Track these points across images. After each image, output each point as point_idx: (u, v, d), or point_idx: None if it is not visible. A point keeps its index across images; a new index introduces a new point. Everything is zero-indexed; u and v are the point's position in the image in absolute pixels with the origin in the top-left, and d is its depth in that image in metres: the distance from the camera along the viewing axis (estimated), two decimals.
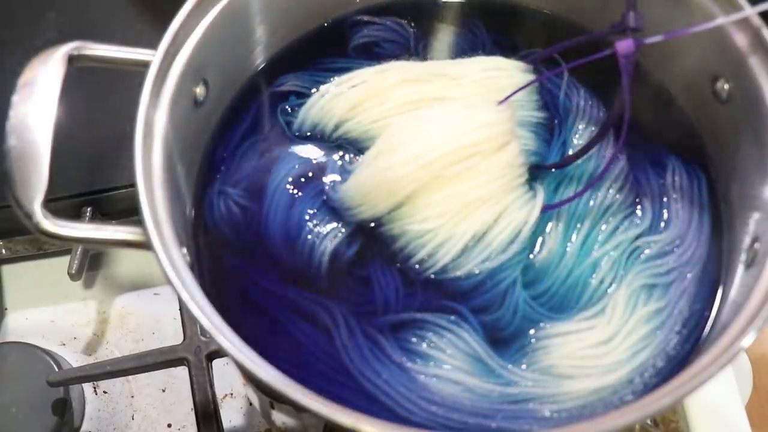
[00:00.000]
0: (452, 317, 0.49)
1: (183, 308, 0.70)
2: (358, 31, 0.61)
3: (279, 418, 0.58)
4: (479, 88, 0.55)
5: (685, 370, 0.41)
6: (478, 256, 0.50)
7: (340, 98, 0.55)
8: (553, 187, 0.54)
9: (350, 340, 0.48)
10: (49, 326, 0.74)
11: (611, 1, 0.51)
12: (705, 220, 0.53)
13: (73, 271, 0.70)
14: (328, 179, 0.53)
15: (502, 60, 0.57)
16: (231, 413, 0.70)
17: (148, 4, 0.82)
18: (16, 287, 0.77)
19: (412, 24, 0.61)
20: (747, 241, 0.50)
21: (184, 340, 0.67)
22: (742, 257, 0.50)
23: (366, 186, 0.50)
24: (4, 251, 0.76)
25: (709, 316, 0.50)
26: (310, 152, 0.55)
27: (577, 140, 0.56)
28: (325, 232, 0.51)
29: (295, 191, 0.53)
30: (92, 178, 0.73)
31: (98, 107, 0.74)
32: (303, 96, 0.57)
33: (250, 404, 0.71)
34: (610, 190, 0.53)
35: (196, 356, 0.66)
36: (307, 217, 0.52)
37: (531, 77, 0.56)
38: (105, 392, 0.71)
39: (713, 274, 0.52)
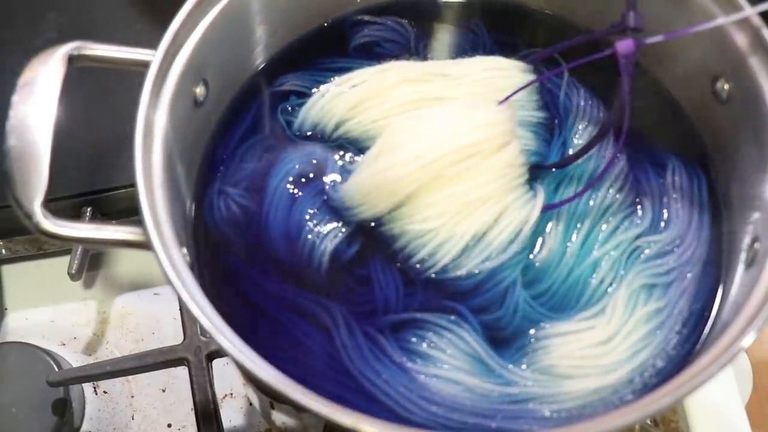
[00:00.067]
0: (452, 317, 0.49)
1: (183, 308, 0.70)
2: (358, 31, 0.61)
3: (279, 418, 0.58)
4: (479, 88, 0.55)
5: (685, 370, 0.41)
6: (478, 256, 0.50)
7: (341, 98, 0.55)
8: (553, 187, 0.54)
9: (350, 340, 0.48)
10: (49, 326, 0.74)
11: (611, 1, 0.51)
12: (705, 220, 0.53)
13: (73, 271, 0.70)
14: (328, 179, 0.53)
15: (503, 60, 0.57)
16: (231, 413, 0.70)
17: (148, 4, 0.82)
18: (16, 287, 0.77)
19: (413, 24, 0.61)
20: (747, 240, 0.50)
21: (184, 340, 0.67)
22: (742, 257, 0.50)
23: (366, 186, 0.50)
24: (4, 251, 0.76)
25: (709, 316, 0.50)
26: (311, 152, 0.55)
27: (577, 140, 0.56)
28: (325, 232, 0.51)
29: (296, 191, 0.53)
30: (92, 178, 0.73)
31: (98, 107, 0.74)
32: (303, 96, 0.57)
33: (250, 404, 0.71)
34: (610, 190, 0.53)
35: (196, 356, 0.66)
36: (307, 217, 0.52)
37: (531, 77, 0.56)
38: (105, 392, 0.71)
39: (713, 274, 0.52)
